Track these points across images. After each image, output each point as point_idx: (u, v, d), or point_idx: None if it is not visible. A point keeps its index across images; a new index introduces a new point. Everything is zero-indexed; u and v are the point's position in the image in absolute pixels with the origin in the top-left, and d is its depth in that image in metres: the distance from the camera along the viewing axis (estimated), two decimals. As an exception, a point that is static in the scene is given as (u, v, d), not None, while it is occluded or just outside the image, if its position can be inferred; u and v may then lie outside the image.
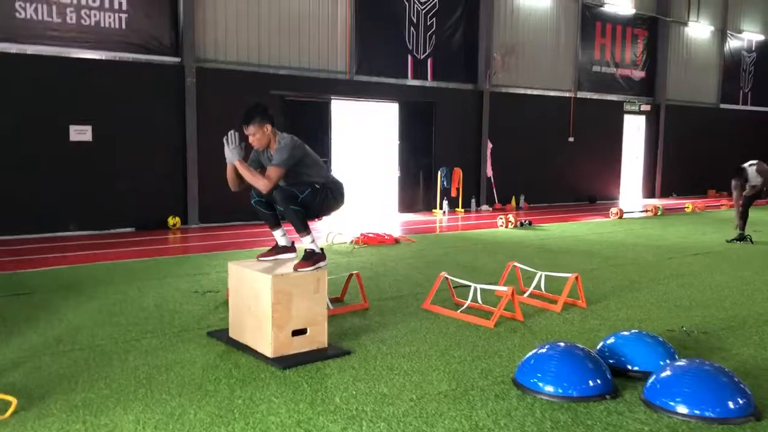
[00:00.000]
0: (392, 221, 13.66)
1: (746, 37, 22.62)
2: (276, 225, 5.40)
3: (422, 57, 15.19)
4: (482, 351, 4.95)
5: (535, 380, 4.21)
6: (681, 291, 7.04)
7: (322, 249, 5.14)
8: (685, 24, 20.55)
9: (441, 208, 14.84)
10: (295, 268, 4.91)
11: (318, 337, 4.94)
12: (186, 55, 12.10)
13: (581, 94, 18.11)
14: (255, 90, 12.79)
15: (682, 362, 4.17)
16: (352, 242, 10.09)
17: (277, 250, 5.39)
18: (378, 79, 14.51)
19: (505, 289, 5.79)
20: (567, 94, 17.81)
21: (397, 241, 10.29)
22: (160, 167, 12.06)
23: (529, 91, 17.00)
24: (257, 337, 4.85)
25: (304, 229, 5.05)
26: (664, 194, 20.43)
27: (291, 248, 5.44)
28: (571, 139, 17.81)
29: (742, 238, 10.86)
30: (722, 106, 22.15)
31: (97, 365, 4.61)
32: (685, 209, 15.95)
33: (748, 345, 5.14)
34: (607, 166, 19.06)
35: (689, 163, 20.97)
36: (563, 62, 17.78)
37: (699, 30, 21.08)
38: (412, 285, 7.24)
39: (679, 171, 20.69)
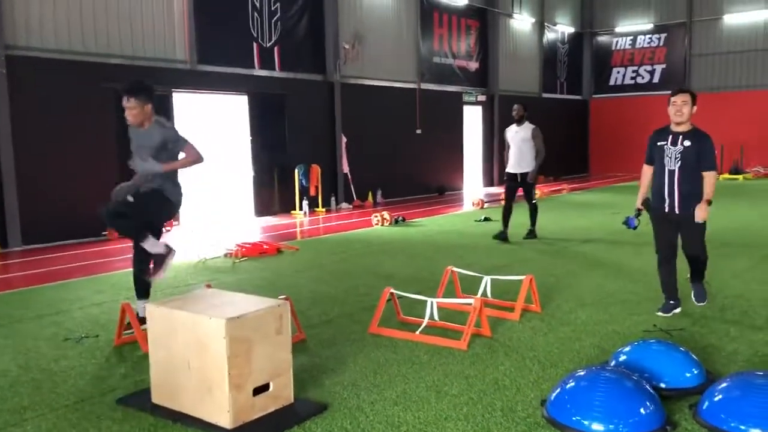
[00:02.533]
0: (250, 226, 12.35)
1: (560, 29, 24.00)
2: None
3: (268, 45, 13.95)
4: (480, 383, 4.12)
5: (579, 418, 3.47)
6: (614, 283, 6.73)
7: (167, 245, 5.09)
8: (511, 16, 21.23)
9: (301, 208, 13.78)
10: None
11: (284, 392, 3.81)
12: (-9, 40, 9.86)
13: (424, 86, 17.91)
14: (82, 82, 10.83)
15: (735, 377, 3.66)
16: (228, 256, 8.76)
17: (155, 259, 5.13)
18: (223, 69, 13.06)
19: (471, 302, 5.00)
20: (412, 86, 17.51)
21: (278, 250, 9.12)
22: (-35, 179, 9.73)
23: (376, 83, 16.42)
24: (204, 403, 3.61)
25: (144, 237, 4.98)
26: (501, 182, 20.95)
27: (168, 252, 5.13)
28: (418, 131, 17.54)
29: (503, 237, 9.38)
30: (544, 95, 23.28)
31: (-29, 478, 3.12)
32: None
33: (736, 341, 4.83)
34: (452, 156, 19.11)
35: (520, 151, 21.72)
36: (407, 53, 17.42)
37: (522, 23, 21.91)
38: (334, 303, 6.21)
39: (512, 159, 21.34)
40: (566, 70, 24.62)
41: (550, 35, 23.50)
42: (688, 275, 5.78)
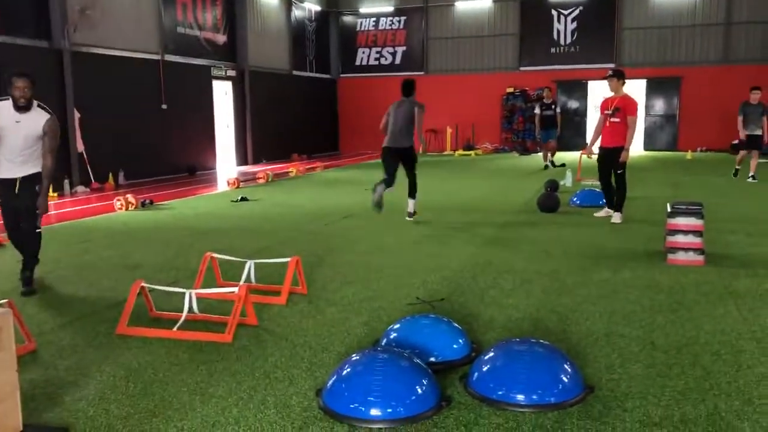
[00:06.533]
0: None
1: (308, 6, 24.04)
2: None
3: (-24, 4, 11.89)
4: (249, 379, 3.78)
5: (356, 404, 3.32)
6: (376, 258, 6.77)
7: None
8: (256, -10, 20.72)
9: (27, 194, 12.01)
10: None
11: (9, 420, 3.10)
12: None
13: (169, 57, 16.73)
14: None
15: (498, 346, 3.77)
16: (-70, 253, 7.25)
17: None
18: None
19: (235, 290, 4.60)
20: (155, 57, 16.24)
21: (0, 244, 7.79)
22: None
23: (114, 53, 14.91)
24: None
25: None
26: (256, 161, 20.57)
27: None
28: (164, 107, 16.36)
29: None
30: (294, 72, 23.22)
31: None
32: (290, 174, 16.22)
33: (490, 307, 5.07)
34: (202, 134, 18.20)
35: (273, 129, 21.50)
36: (147, 21, 16.07)
37: (269, -3, 21.52)
38: (72, 303, 5.39)
39: (265, 137, 21.03)
40: (314, 49, 24.80)
41: (298, 12, 23.43)
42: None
